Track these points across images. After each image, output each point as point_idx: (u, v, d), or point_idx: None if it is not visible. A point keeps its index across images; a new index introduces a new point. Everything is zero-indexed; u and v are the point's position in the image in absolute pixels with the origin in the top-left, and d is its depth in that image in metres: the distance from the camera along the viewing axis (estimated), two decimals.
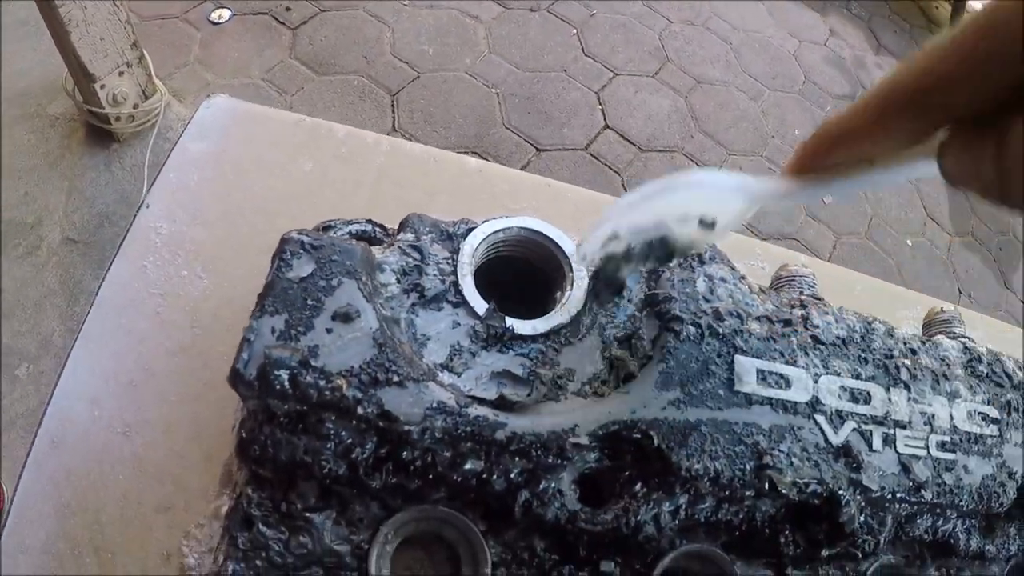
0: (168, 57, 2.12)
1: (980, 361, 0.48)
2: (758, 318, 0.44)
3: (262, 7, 2.28)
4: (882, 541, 0.42)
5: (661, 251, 0.31)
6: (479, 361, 0.39)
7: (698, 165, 2.02)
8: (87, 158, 1.91)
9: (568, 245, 0.45)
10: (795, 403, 0.40)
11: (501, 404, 0.38)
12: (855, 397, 0.42)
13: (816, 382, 0.41)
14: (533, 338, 0.41)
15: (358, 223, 0.47)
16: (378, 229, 0.47)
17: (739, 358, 0.41)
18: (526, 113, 2.01)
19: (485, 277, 0.43)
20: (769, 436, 0.39)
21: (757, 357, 0.41)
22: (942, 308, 0.58)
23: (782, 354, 0.42)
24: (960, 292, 2.18)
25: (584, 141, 1.97)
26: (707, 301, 0.43)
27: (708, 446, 0.38)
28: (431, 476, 0.35)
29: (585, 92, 2.06)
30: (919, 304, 0.82)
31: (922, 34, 2.72)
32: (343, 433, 0.34)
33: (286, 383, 0.33)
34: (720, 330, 0.41)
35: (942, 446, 0.43)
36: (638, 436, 0.37)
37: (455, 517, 0.36)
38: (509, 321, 0.40)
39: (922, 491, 0.41)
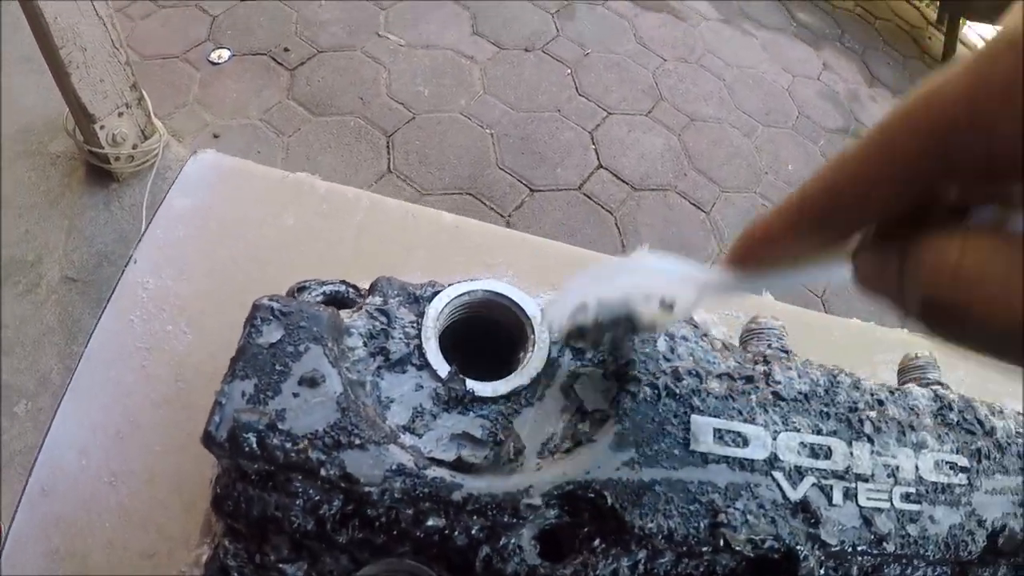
0: (168, 96, 2.17)
1: (951, 409, 0.49)
2: (719, 376, 0.45)
3: (261, 48, 2.34)
4: None
5: (627, 327, 0.33)
6: (440, 423, 0.41)
7: (692, 204, 2.07)
8: (87, 197, 1.96)
9: (530, 307, 0.46)
10: (752, 461, 0.41)
11: (458, 466, 0.39)
12: (815, 452, 0.43)
13: (775, 439, 0.42)
14: (494, 400, 0.42)
15: (332, 284, 0.49)
16: (351, 290, 0.49)
17: (695, 418, 0.42)
18: (520, 154, 2.06)
19: (455, 337, 0.46)
20: (725, 494, 0.40)
21: (714, 416, 0.42)
22: (917, 354, 0.58)
23: (740, 412, 0.43)
24: None
25: (578, 181, 2.02)
26: (667, 360, 0.44)
27: (662, 505, 0.39)
28: (395, 532, 0.37)
29: (579, 132, 2.11)
30: (901, 346, 0.85)
31: (916, 65, 2.78)
32: (311, 491, 0.37)
33: (254, 445, 0.36)
34: (677, 390, 0.42)
35: (906, 498, 0.43)
36: (592, 496, 0.38)
37: (420, 570, 0.38)
38: (470, 384, 0.42)
39: (884, 543, 0.42)
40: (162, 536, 0.49)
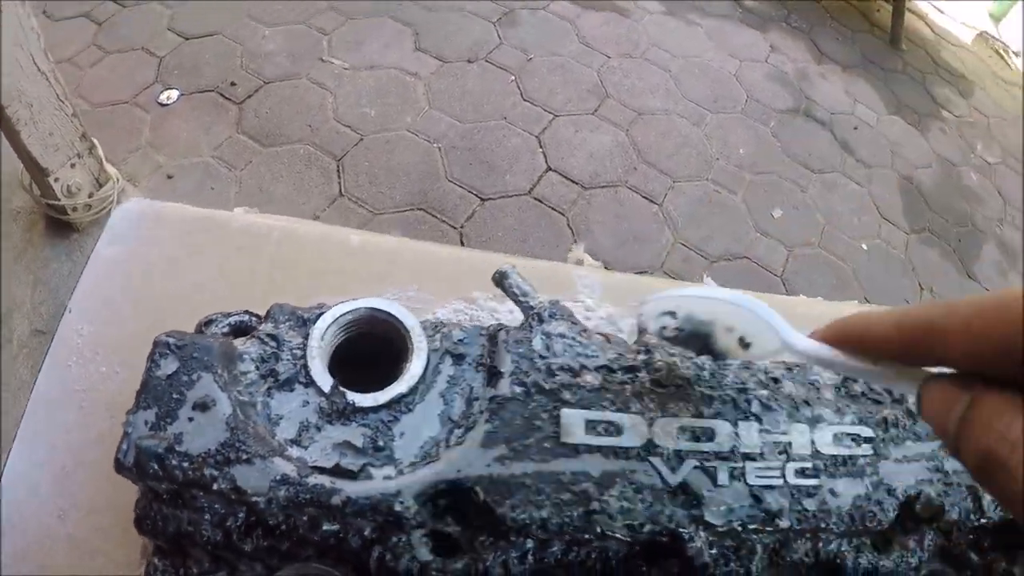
0: (120, 142, 2.21)
1: (855, 380, 0.49)
2: (596, 369, 0.46)
3: (208, 85, 2.38)
4: (754, 570, 0.44)
5: (700, 346, 0.38)
6: (324, 434, 0.44)
7: (643, 197, 2.08)
8: (49, 249, 1.98)
9: (409, 319, 0.49)
10: (627, 448, 0.42)
11: (338, 472, 0.42)
12: (696, 436, 0.43)
13: (651, 426, 0.43)
14: (375, 409, 0.45)
15: (236, 315, 0.52)
16: (253, 319, 0.52)
17: (565, 411, 0.43)
18: (468, 165, 2.08)
19: (352, 353, 0.49)
20: (599, 483, 0.41)
21: (586, 408, 0.44)
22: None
23: (614, 402, 0.44)
24: (921, 288, 2.21)
25: (527, 186, 2.04)
26: (542, 358, 0.46)
27: (533, 497, 0.41)
28: (295, 538, 0.40)
29: (526, 137, 2.13)
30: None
31: (865, 39, 2.79)
32: (216, 505, 0.40)
33: (156, 468, 0.39)
34: (547, 386, 0.44)
35: (801, 473, 0.44)
36: (464, 493, 0.41)
37: (327, 572, 0.41)
38: (350, 396, 0.45)
39: (777, 520, 0.42)
40: (109, 561, 0.53)
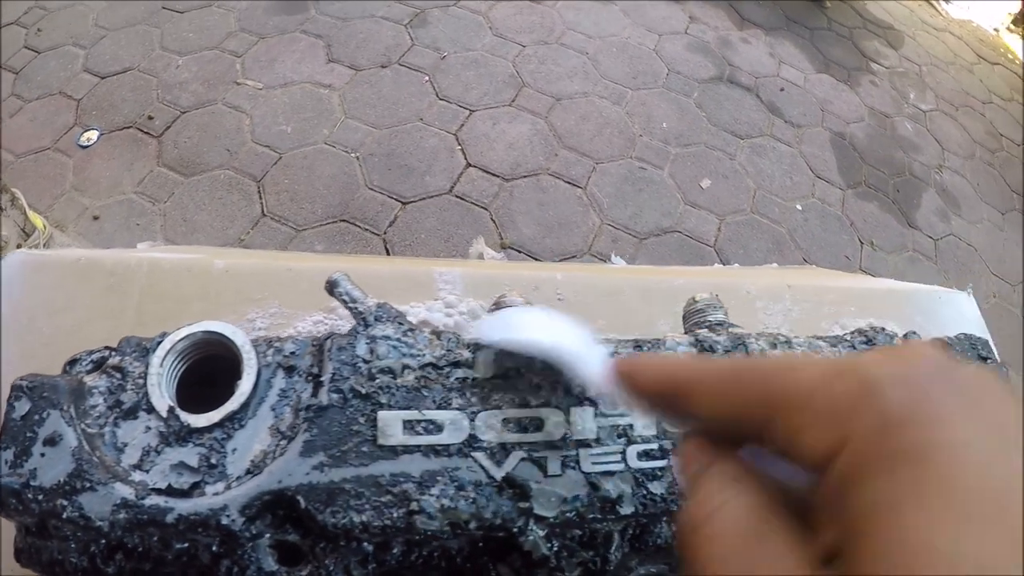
0: (45, 189, 2.19)
1: (712, 351, 0.49)
2: (420, 368, 0.47)
3: (126, 121, 2.35)
4: (613, 558, 0.43)
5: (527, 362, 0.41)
6: (164, 457, 0.46)
7: (566, 182, 2.05)
8: None
9: (240, 338, 0.50)
10: (448, 445, 0.43)
11: (171, 491, 0.44)
12: (523, 427, 0.43)
13: (473, 420, 0.43)
14: (209, 428, 0.46)
15: (98, 352, 0.53)
16: (112, 353, 0.54)
17: (382, 414, 0.44)
18: (387, 170, 2.05)
19: (202, 375, 0.51)
20: (420, 482, 0.42)
21: (404, 408, 0.44)
22: (696, 297, 0.57)
23: (434, 400, 0.44)
24: (861, 242, 2.18)
25: (448, 185, 2.01)
26: (366, 363, 0.47)
27: (353, 501, 0.41)
28: (153, 558, 0.42)
29: (443, 136, 2.10)
30: (768, 294, 0.83)
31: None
32: (79, 533, 0.42)
33: (15, 502, 0.42)
34: (365, 390, 0.45)
35: (645, 455, 0.43)
36: (291, 502, 0.42)
37: None
38: (185, 417, 0.46)
39: (619, 507, 0.41)
40: None
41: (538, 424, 0.43)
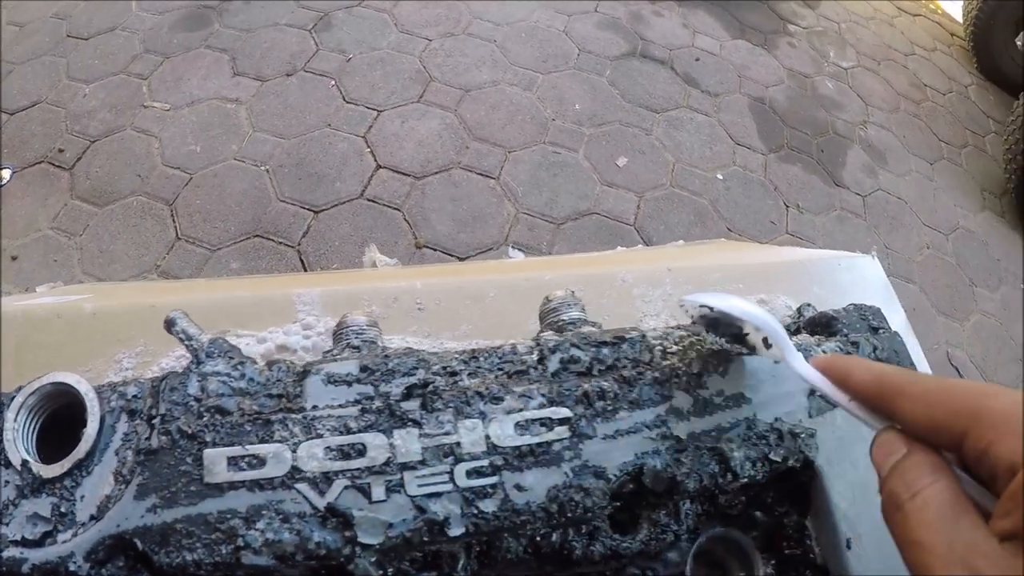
0: None
1: (554, 352, 0.47)
2: (253, 399, 0.46)
3: (37, 156, 2.31)
4: (463, 574, 0.43)
5: (731, 334, 0.44)
6: (21, 509, 0.46)
7: (479, 174, 2.01)
8: None
9: (83, 386, 0.50)
10: (271, 479, 0.42)
11: (25, 542, 0.44)
12: (345, 454, 0.42)
13: (295, 451, 0.42)
14: (60, 477, 0.46)
15: None
16: None
17: (207, 452, 0.44)
18: (298, 180, 2.01)
19: (63, 423, 0.50)
20: (246, 517, 0.42)
21: (229, 445, 0.44)
22: (549, 296, 0.55)
23: (257, 434, 0.44)
24: (787, 206, 2.16)
25: (359, 189, 1.97)
26: (197, 401, 0.46)
27: (185, 540, 0.42)
28: None
29: (352, 140, 2.06)
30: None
31: None
32: None
33: None
34: (191, 430, 0.45)
35: (474, 473, 0.42)
36: (128, 545, 0.42)
37: None
38: (36, 469, 0.46)
39: (447, 528, 0.40)
40: None
41: (360, 450, 0.42)
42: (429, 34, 2.35)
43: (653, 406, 0.44)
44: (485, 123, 2.13)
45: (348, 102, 2.19)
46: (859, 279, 0.91)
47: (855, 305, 0.60)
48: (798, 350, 0.44)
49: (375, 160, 2.06)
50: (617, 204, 2.03)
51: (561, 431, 0.43)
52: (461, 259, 1.90)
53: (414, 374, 0.47)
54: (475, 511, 0.41)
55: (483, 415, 0.43)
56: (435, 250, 1.92)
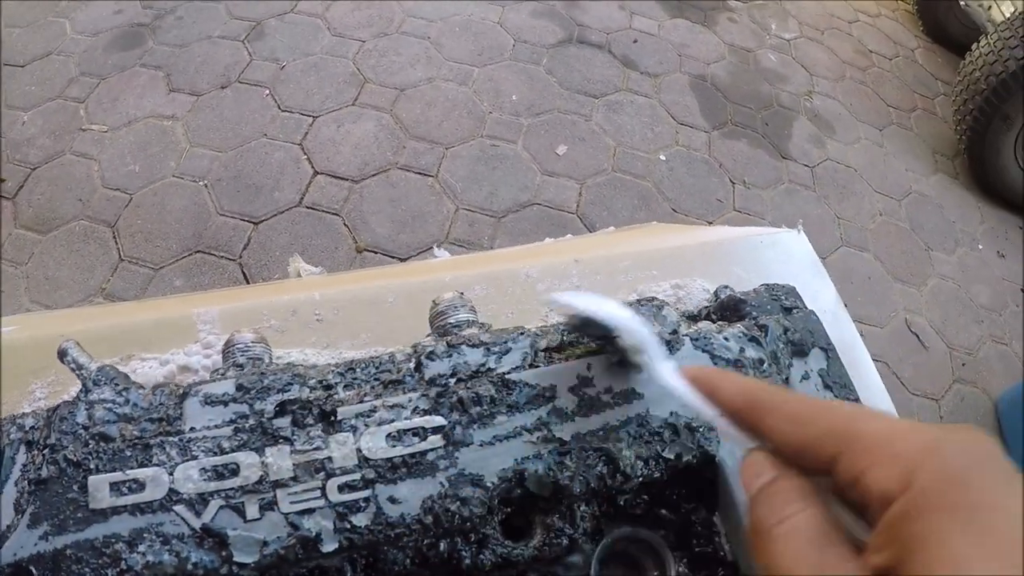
0: None
1: (432, 359, 0.47)
2: (135, 424, 0.47)
3: None
4: None
5: (602, 340, 0.43)
6: None
7: (417, 173, 1.99)
8: None
9: None
10: (151, 502, 0.43)
11: None
12: (219, 474, 0.42)
13: (172, 474, 0.43)
14: None
15: None
16: None
17: (91, 479, 0.44)
18: (236, 193, 1.99)
19: None
20: (129, 541, 0.42)
21: (112, 471, 0.44)
22: (435, 300, 0.55)
23: (137, 459, 0.45)
24: (733, 183, 2.14)
25: (297, 197, 1.95)
26: (85, 429, 0.47)
27: (75, 567, 0.43)
28: None
29: (288, 148, 2.04)
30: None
31: None
32: None
33: None
34: (76, 457, 0.45)
35: (346, 488, 0.41)
36: (24, 574, 0.42)
37: None
38: None
39: (320, 544, 0.40)
40: None
41: (234, 469, 0.42)
42: (362, 35, 2.32)
43: (534, 408, 0.43)
44: (421, 121, 2.10)
45: (283, 110, 2.16)
46: (784, 256, 0.88)
47: (767, 285, 0.59)
48: (696, 341, 0.44)
49: (312, 167, 2.04)
50: (558, 193, 2.01)
51: (435, 440, 0.42)
52: (402, 260, 1.88)
53: (288, 390, 0.47)
54: (348, 526, 0.41)
55: (354, 428, 0.43)
56: (375, 253, 1.90)
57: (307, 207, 1.97)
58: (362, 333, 0.68)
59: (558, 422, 0.43)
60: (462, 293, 0.56)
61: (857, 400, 0.49)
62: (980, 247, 2.49)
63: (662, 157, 2.14)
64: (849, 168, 2.38)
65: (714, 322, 0.57)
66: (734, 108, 2.34)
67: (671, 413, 0.44)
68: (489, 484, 0.41)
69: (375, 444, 0.42)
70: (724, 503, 0.45)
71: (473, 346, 0.47)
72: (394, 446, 0.42)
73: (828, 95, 2.53)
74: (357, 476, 0.41)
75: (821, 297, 0.87)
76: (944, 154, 2.62)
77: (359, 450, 0.42)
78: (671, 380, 0.35)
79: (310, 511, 0.41)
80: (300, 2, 2.43)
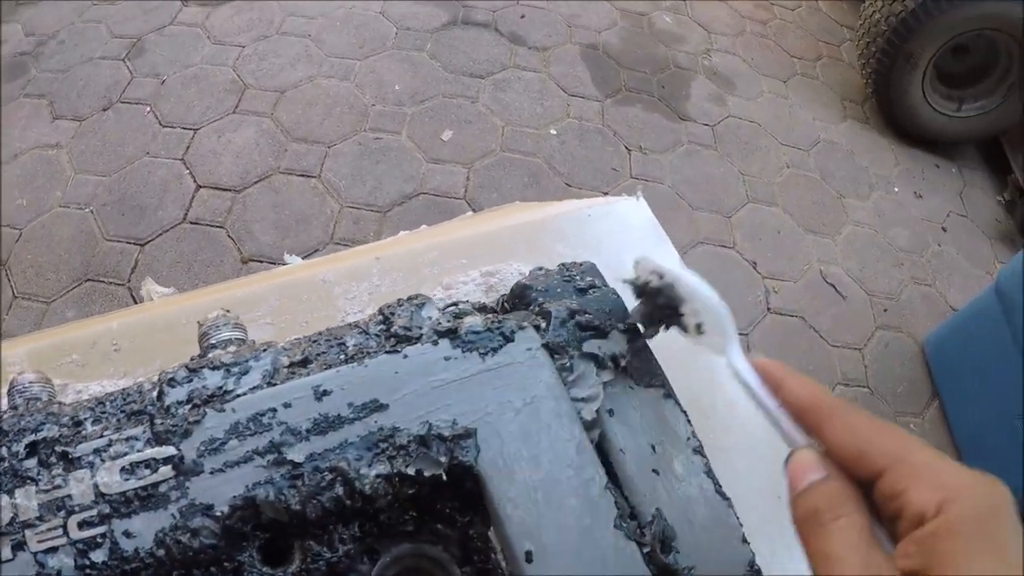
0: None
1: (171, 384, 0.45)
2: None
3: None
4: None
5: (665, 312, 0.42)
6: None
7: (299, 176, 1.94)
8: None
9: None
10: None
11: None
12: None
13: None
14: None
15: None
16: None
17: None
18: (121, 216, 1.95)
19: None
20: None
21: None
22: (199, 322, 0.53)
23: None
24: (628, 150, 2.08)
25: (181, 214, 1.90)
26: None
27: None
28: None
29: (170, 164, 1.99)
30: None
31: None
32: None
33: None
34: None
35: (85, 524, 0.40)
36: None
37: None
38: None
39: None
40: None
41: None
42: (242, 40, 2.26)
43: (265, 431, 0.41)
44: (303, 122, 2.05)
45: (164, 126, 2.11)
46: (619, 226, 0.84)
47: (563, 265, 0.55)
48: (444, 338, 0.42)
49: (195, 181, 1.99)
50: (445, 180, 1.96)
51: (166, 471, 0.41)
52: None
53: (41, 430, 0.45)
54: (87, 562, 0.40)
55: (91, 464, 0.42)
56: (261, 262, 1.85)
57: (191, 222, 1.93)
58: (156, 360, 0.66)
59: (292, 442, 0.41)
60: (227, 311, 0.54)
61: (665, 381, 0.46)
62: (896, 190, 2.44)
63: (553, 132, 2.09)
64: (753, 123, 2.34)
65: (507, 312, 0.53)
66: (628, 74, 2.29)
67: (424, 422, 0.41)
68: (219, 513, 0.40)
69: (111, 479, 0.41)
70: (493, 517, 0.41)
71: (214, 368, 0.45)
72: (127, 479, 0.41)
73: (728, 51, 2.47)
74: (94, 512, 0.41)
75: (665, 263, 0.83)
76: (853, 100, 2.57)
77: (96, 485, 0.41)
78: (742, 366, 0.36)
79: (54, 549, 0.40)
80: (180, 12, 2.37)
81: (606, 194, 2.04)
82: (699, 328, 0.40)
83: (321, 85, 2.14)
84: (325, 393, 0.42)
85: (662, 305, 0.42)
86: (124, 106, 2.19)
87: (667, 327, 0.43)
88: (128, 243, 1.94)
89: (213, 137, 2.07)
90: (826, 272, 2.20)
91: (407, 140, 2.04)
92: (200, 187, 1.99)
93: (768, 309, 2.08)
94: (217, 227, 1.91)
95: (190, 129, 2.10)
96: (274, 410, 0.42)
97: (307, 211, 1.91)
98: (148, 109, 2.17)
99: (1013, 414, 1.73)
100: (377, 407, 0.42)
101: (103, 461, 0.42)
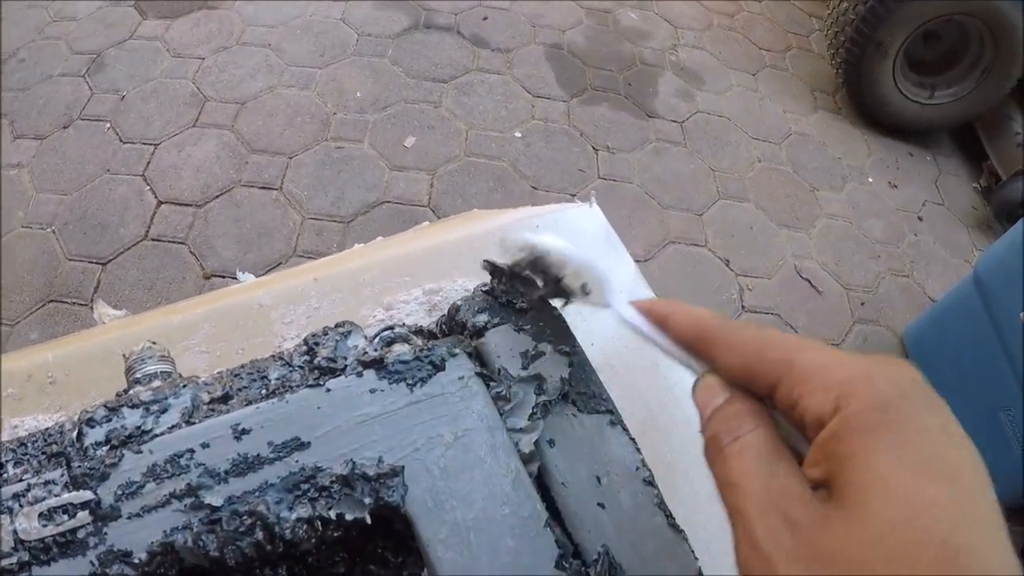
0: None
1: (90, 424, 0.43)
2: None
3: None
4: None
5: (548, 280, 0.41)
6: None
7: (260, 188, 1.92)
8: None
9: None
10: None
11: None
12: None
13: None
14: None
15: None
16: None
17: None
18: (83, 235, 1.92)
19: None
20: None
21: None
22: (124, 355, 0.51)
23: None
24: (595, 150, 2.06)
25: (143, 231, 1.88)
26: None
27: None
28: None
29: (131, 181, 1.97)
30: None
31: None
32: None
33: None
34: None
35: (7, 573, 0.38)
36: None
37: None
38: None
39: None
40: None
41: None
42: (202, 52, 2.24)
43: (183, 472, 0.39)
44: (263, 133, 2.03)
45: (124, 142, 2.09)
46: (569, 234, 0.81)
47: (480, 290, 0.53)
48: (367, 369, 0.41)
49: (155, 197, 1.97)
50: (408, 187, 1.94)
51: (83, 516, 0.39)
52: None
53: None
54: None
55: (10, 510, 0.40)
56: (223, 277, 1.83)
57: (153, 239, 1.91)
58: (92, 391, 0.64)
59: (210, 485, 0.39)
60: (153, 342, 0.52)
61: (611, 406, 0.44)
62: (870, 180, 2.42)
63: (517, 134, 2.07)
64: (722, 118, 2.31)
65: (446, 335, 0.51)
66: (593, 72, 2.27)
67: (346, 462, 0.39)
68: (138, 560, 0.38)
69: (29, 525, 0.39)
70: (424, 560, 0.39)
71: (133, 407, 0.43)
72: (46, 525, 0.39)
73: (695, 46, 2.45)
74: (14, 560, 0.39)
75: (617, 274, 0.80)
76: (824, 91, 2.55)
77: (15, 532, 0.39)
78: (626, 312, 0.36)
79: None
80: (140, 26, 2.34)
81: (574, 195, 2.02)
82: (584, 288, 0.39)
83: (282, 95, 2.12)
84: (244, 432, 0.40)
85: (547, 273, 0.41)
86: (84, 123, 2.17)
87: (560, 297, 0.43)
88: (90, 263, 1.93)
89: (173, 152, 2.04)
90: (801, 267, 2.18)
91: (369, 148, 2.02)
92: (161, 203, 1.97)
93: (743, 307, 2.06)
94: (179, 243, 1.89)
95: (150, 144, 2.08)
96: (192, 451, 0.40)
97: (269, 224, 1.89)
98: (108, 125, 2.14)
99: (995, 405, 1.70)
100: (298, 445, 0.40)
101: (22, 507, 0.40)
